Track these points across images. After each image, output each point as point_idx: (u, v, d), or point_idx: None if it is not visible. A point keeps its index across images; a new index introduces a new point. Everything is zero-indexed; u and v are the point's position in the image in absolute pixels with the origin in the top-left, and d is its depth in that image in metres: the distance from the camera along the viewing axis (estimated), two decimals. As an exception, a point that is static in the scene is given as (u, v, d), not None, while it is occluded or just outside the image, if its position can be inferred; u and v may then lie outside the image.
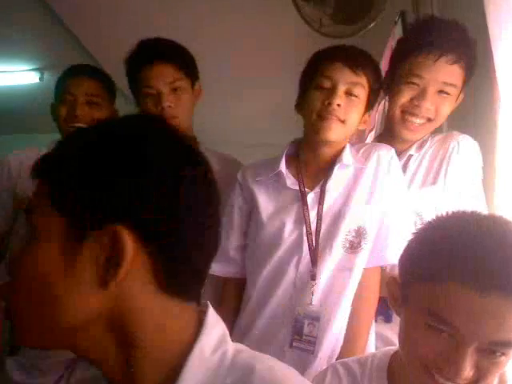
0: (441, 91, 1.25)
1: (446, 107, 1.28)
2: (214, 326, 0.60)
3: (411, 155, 1.34)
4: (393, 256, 1.21)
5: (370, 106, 1.28)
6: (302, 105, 1.31)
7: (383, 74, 1.36)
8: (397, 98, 1.29)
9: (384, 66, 1.92)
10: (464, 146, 1.28)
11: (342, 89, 1.22)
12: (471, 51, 1.25)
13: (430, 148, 1.33)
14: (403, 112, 1.30)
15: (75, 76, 1.65)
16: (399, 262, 0.85)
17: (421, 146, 1.34)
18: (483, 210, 1.21)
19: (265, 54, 3.25)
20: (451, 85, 1.25)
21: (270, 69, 3.32)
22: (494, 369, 0.73)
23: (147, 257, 0.54)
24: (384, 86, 1.35)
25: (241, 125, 4.18)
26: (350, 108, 1.23)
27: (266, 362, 0.58)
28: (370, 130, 2.40)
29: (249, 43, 3.00)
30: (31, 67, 3.62)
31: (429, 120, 1.29)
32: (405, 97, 1.28)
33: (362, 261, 1.23)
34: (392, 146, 1.32)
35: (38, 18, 2.93)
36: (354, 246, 1.22)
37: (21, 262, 0.56)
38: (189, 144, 0.61)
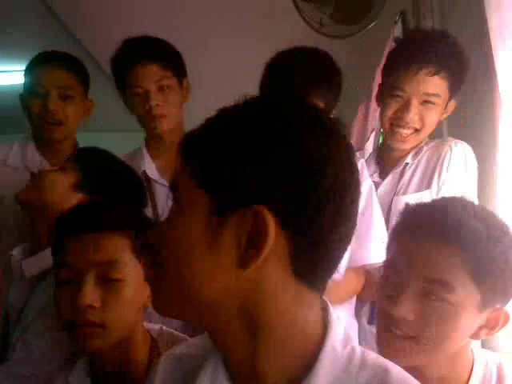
0: (425, 102, 1.32)
1: (432, 116, 1.34)
2: (338, 320, 0.59)
3: (407, 163, 1.41)
4: (375, 256, 1.21)
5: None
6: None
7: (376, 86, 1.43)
8: (384, 111, 1.37)
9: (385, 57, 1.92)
10: (457, 150, 1.34)
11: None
12: (455, 61, 1.30)
13: (424, 155, 1.39)
14: (391, 124, 1.36)
15: (47, 65, 1.55)
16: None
17: (416, 154, 1.40)
18: None
19: (264, 55, 3.24)
20: (434, 95, 1.31)
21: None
22: (437, 316, 0.80)
23: (285, 241, 0.52)
24: (377, 99, 1.46)
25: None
26: None
27: (393, 364, 0.59)
28: (371, 131, 2.40)
29: (248, 43, 3.00)
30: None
31: (416, 130, 1.35)
32: (391, 109, 1.35)
33: (343, 261, 1.23)
34: (390, 155, 1.43)
35: (38, 17, 2.93)
36: None
37: (165, 235, 0.56)
38: (334, 127, 0.58)
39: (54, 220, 1.05)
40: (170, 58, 1.50)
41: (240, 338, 0.55)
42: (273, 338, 0.55)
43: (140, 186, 1.31)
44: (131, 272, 0.94)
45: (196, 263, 0.54)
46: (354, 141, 3.10)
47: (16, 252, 1.20)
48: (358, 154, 2.94)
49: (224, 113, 0.58)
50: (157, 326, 1.05)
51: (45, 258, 1.14)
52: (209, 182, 0.54)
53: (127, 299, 0.94)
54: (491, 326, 0.84)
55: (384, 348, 0.85)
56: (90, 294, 0.91)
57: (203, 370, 0.60)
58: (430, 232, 0.82)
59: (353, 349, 0.58)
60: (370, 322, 1.32)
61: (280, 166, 0.52)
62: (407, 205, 0.91)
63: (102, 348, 0.91)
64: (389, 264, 0.89)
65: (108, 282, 0.93)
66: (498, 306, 0.83)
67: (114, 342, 0.92)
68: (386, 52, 2.17)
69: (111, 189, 1.21)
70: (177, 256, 0.55)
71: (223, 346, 0.58)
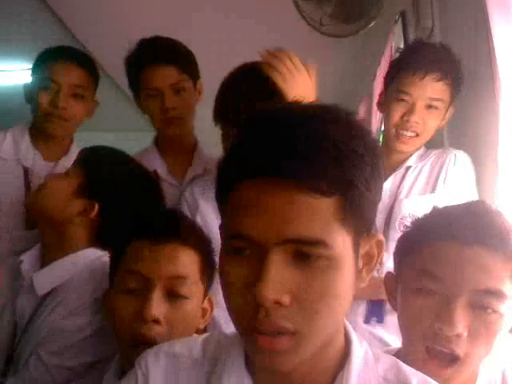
0: (429, 106, 1.37)
1: (433, 121, 1.39)
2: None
3: (409, 166, 1.44)
4: None
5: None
6: None
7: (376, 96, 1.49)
8: (390, 116, 1.41)
9: (384, 65, 1.93)
10: (460, 157, 1.38)
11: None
12: (456, 69, 1.36)
13: (428, 160, 1.43)
14: (396, 129, 1.40)
15: (62, 61, 1.52)
16: (394, 254, 0.91)
17: (420, 158, 1.44)
18: None
19: (265, 54, 3.24)
20: (438, 99, 1.36)
21: (270, 68, 3.32)
22: (486, 329, 0.76)
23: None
24: (378, 105, 1.52)
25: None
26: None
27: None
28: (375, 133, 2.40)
29: (248, 43, 3.00)
30: (30, 66, 3.63)
31: (417, 135, 1.39)
32: (397, 114, 1.39)
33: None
34: (390, 158, 1.45)
35: (38, 17, 2.93)
36: None
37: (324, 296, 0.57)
38: None
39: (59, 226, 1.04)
40: (185, 61, 1.51)
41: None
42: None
43: (153, 185, 1.27)
44: (197, 291, 0.92)
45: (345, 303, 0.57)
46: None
47: (26, 261, 1.17)
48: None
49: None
50: None
51: (57, 274, 1.13)
52: (355, 223, 0.55)
53: (190, 318, 0.91)
54: None
55: (423, 365, 0.77)
56: (158, 307, 0.87)
57: (226, 372, 0.62)
58: (480, 237, 0.76)
59: (366, 345, 0.62)
60: (366, 322, 1.33)
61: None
62: (436, 208, 0.89)
63: None
64: (422, 273, 0.80)
65: (175, 297, 0.90)
66: None
67: None
68: (386, 52, 2.17)
69: (118, 193, 1.17)
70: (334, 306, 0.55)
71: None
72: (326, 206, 0.52)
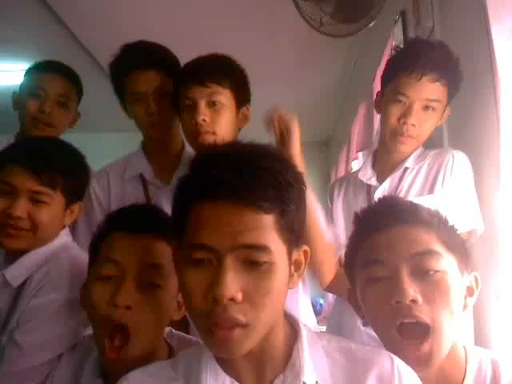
0: (426, 107, 1.36)
1: (430, 122, 1.38)
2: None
3: (407, 168, 1.44)
4: None
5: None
6: None
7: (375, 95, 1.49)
8: (387, 118, 1.40)
9: (384, 65, 1.92)
10: (458, 158, 1.37)
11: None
12: (453, 68, 1.35)
13: (425, 161, 1.42)
14: (393, 131, 1.40)
15: (50, 72, 1.68)
16: (344, 267, 1.01)
17: (418, 159, 1.43)
18: (477, 215, 1.32)
19: (264, 54, 3.25)
20: (435, 100, 1.35)
21: (269, 68, 3.33)
22: (437, 290, 0.84)
23: None
24: (376, 105, 1.50)
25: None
26: None
27: None
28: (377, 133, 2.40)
29: (248, 42, 3.00)
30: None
31: (414, 137, 1.39)
32: (393, 116, 1.38)
33: None
34: (387, 159, 1.47)
35: (38, 17, 2.93)
36: None
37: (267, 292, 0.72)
38: None
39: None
40: (171, 66, 1.53)
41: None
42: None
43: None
44: (171, 282, 0.94)
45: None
46: (354, 141, 3.10)
47: None
48: (360, 154, 2.96)
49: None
50: (167, 329, 1.06)
51: (29, 264, 1.15)
52: (288, 235, 0.72)
53: (163, 307, 0.95)
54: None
55: (402, 353, 0.82)
56: (130, 294, 0.91)
57: (203, 373, 0.75)
58: (391, 221, 0.89)
59: (308, 328, 0.80)
60: (365, 325, 1.32)
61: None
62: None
63: (127, 354, 0.91)
64: (371, 262, 0.90)
65: (148, 285, 0.93)
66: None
67: (141, 348, 0.92)
68: (386, 52, 2.17)
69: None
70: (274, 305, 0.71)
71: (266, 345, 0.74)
72: (267, 221, 0.68)
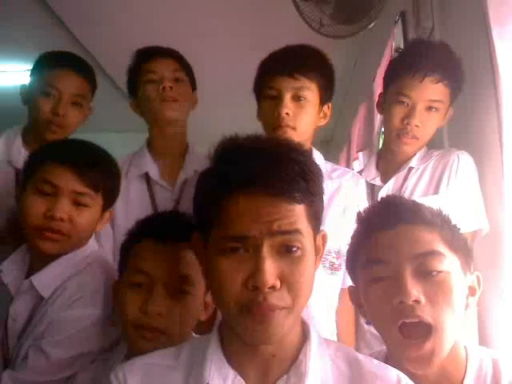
0: (429, 108, 1.37)
1: (433, 123, 1.39)
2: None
3: (412, 168, 1.44)
4: None
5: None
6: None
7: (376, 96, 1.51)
8: (390, 119, 1.41)
9: (384, 66, 1.92)
10: (463, 159, 1.38)
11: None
12: (456, 69, 1.35)
13: (430, 161, 1.43)
14: (397, 132, 1.41)
15: (62, 68, 1.56)
16: (346, 264, 1.00)
17: (422, 160, 1.44)
18: (482, 216, 1.32)
19: (264, 54, 3.24)
20: (438, 101, 1.36)
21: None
22: (440, 290, 0.84)
23: None
24: (378, 106, 1.52)
25: (238, 125, 4.18)
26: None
27: None
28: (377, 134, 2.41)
29: (248, 43, 3.00)
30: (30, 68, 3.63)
31: (416, 138, 1.40)
32: (397, 117, 1.39)
33: (338, 281, 1.32)
34: (391, 159, 1.47)
35: (39, 18, 2.93)
36: (334, 267, 1.31)
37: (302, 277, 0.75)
38: None
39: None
40: (186, 63, 1.59)
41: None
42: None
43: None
44: (198, 287, 0.98)
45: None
46: (354, 141, 3.10)
47: (7, 270, 1.17)
48: (360, 154, 2.96)
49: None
50: None
51: (58, 272, 1.13)
52: (314, 222, 0.75)
53: (191, 311, 0.98)
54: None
55: (404, 352, 0.84)
56: (161, 301, 0.94)
57: (208, 362, 0.75)
58: (398, 219, 0.89)
59: (318, 332, 0.80)
60: (367, 323, 1.33)
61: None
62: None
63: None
64: (373, 262, 0.90)
65: (179, 293, 0.97)
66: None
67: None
68: (386, 52, 2.17)
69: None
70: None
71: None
72: (299, 210, 0.72)
